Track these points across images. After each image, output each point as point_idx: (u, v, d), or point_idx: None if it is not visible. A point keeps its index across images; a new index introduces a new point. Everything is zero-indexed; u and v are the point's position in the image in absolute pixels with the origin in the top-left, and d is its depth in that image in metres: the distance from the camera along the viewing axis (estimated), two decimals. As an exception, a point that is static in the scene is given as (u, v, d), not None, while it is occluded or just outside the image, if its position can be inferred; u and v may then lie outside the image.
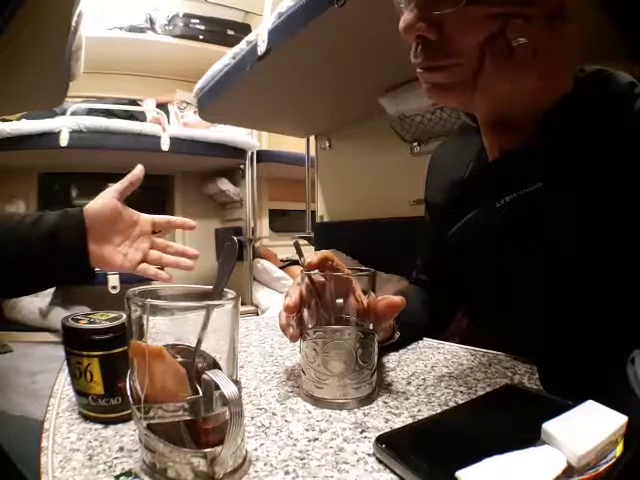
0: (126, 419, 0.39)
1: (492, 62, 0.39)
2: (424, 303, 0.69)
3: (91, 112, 2.87)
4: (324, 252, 0.48)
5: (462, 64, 0.41)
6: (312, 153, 2.52)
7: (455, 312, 0.73)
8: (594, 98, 0.44)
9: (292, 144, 3.06)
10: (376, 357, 0.44)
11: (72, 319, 0.41)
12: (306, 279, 0.45)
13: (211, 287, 0.35)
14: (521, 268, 0.47)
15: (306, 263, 0.47)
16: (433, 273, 0.72)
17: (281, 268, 3.32)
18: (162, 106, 3.32)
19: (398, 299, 0.47)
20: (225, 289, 0.34)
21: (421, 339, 0.67)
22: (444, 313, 0.72)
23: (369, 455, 0.34)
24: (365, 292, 0.45)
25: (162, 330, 0.31)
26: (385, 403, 0.43)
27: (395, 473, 0.31)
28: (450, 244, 0.56)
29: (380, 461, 0.33)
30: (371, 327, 0.45)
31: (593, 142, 0.42)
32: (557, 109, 0.42)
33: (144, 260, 0.62)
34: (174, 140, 2.91)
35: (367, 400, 0.43)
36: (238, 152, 3.20)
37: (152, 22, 3.52)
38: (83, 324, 0.40)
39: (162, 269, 0.63)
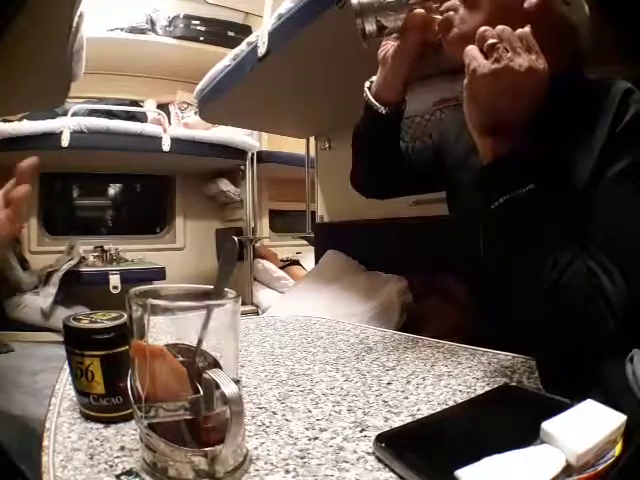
0: (127, 418, 0.39)
1: (471, 67, 0.44)
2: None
3: (92, 113, 2.87)
4: None
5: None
6: (312, 154, 2.52)
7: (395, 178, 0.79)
8: (588, 104, 0.47)
9: (292, 145, 3.06)
10: None
11: (73, 319, 0.41)
12: None
13: (212, 287, 0.35)
14: (518, 266, 0.47)
15: None
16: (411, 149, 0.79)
17: (281, 268, 3.32)
18: (163, 107, 3.32)
19: None
20: (226, 289, 0.35)
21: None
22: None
23: (369, 454, 0.34)
24: None
25: (163, 330, 0.31)
26: (385, 402, 0.44)
27: (394, 472, 0.31)
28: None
29: (380, 460, 0.33)
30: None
31: (583, 145, 0.45)
32: (548, 113, 0.44)
33: None
34: (175, 141, 2.91)
35: None
36: (238, 153, 3.19)
37: (153, 23, 3.52)
38: (84, 324, 0.40)
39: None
